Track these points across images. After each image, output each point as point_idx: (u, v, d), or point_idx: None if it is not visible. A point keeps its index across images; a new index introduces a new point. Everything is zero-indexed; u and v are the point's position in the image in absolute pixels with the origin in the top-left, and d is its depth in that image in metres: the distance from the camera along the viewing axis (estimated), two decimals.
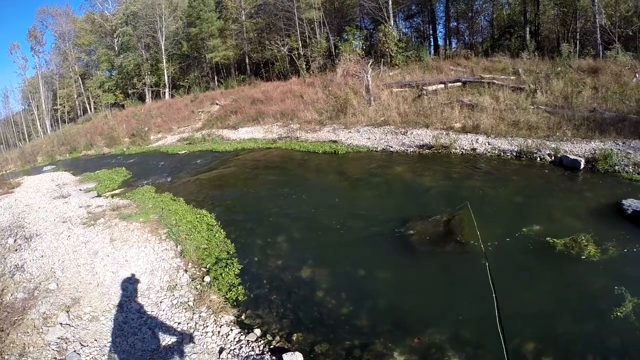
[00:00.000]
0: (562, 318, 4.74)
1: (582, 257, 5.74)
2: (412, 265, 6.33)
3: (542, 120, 12.44)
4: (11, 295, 6.17)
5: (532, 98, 14.47)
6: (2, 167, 27.91)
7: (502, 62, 20.84)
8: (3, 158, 34.88)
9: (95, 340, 5.10)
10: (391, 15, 28.12)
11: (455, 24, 34.35)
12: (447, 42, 34.35)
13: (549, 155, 10.42)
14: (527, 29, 24.95)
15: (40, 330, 5.27)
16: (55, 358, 4.76)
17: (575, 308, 4.90)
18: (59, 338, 5.12)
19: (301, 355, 4.51)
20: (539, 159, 10.49)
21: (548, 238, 6.25)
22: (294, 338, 4.89)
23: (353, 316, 5.13)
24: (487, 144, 11.98)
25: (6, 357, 4.70)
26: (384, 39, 26.22)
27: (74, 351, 4.86)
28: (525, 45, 22.91)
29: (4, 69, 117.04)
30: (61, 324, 5.42)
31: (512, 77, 17.78)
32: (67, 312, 5.69)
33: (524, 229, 6.74)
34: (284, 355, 4.48)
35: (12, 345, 4.91)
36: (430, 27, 35.65)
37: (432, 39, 35.41)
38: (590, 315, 4.75)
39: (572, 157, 9.81)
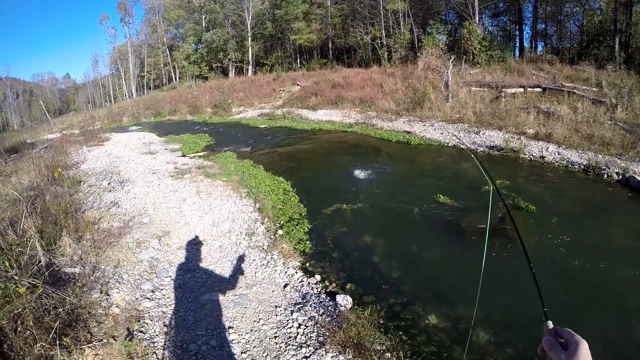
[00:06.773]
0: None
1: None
2: (461, 249, 6.94)
3: (617, 137, 12.19)
4: (107, 223, 7.56)
5: (612, 113, 14.16)
6: (91, 124, 31.03)
7: (586, 71, 20.23)
8: (90, 116, 38.40)
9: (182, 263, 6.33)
10: (477, 12, 27.73)
11: (543, 26, 33.01)
12: (533, 45, 33.22)
13: (617, 173, 10.24)
14: (617, 38, 23.42)
15: (134, 251, 6.57)
16: (146, 271, 5.99)
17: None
18: (150, 257, 6.39)
19: (351, 299, 5.37)
20: (605, 175, 10.34)
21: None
22: (347, 287, 5.79)
23: (400, 281, 5.90)
24: (556, 153, 12.01)
25: (102, 266, 5.91)
26: (467, 35, 26.00)
27: (163, 268, 6.09)
28: (613, 56, 21.92)
29: (94, 37, 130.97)
30: (153, 248, 6.71)
31: (594, 89, 17.30)
32: (159, 240, 7.00)
33: (574, 241, 6.91)
34: (337, 296, 5.36)
35: (108, 259, 6.19)
36: (517, 27, 34.61)
37: (517, 40, 34.40)
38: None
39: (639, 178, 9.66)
